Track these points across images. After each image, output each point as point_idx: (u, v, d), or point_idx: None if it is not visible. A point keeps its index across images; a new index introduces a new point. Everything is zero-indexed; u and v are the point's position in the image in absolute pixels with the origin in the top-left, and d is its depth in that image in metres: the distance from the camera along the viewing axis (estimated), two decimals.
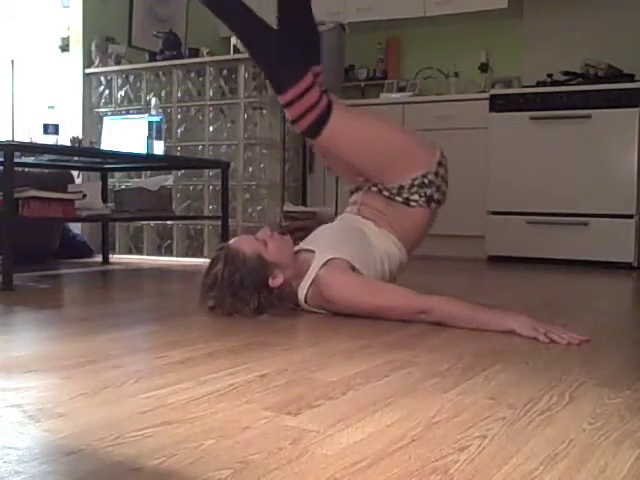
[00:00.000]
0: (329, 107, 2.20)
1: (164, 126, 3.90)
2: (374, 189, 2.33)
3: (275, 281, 2.05)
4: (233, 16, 2.27)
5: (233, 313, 2.04)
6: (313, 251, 2.13)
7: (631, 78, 4.04)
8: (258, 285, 2.04)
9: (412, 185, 2.25)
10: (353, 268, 2.11)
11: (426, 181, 2.26)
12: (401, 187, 2.26)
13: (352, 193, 2.47)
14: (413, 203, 2.27)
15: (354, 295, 2.03)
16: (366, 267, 2.16)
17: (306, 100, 2.17)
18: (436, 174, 2.28)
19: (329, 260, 2.08)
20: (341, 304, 2.05)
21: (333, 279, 2.05)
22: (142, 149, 3.66)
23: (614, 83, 3.96)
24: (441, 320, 1.93)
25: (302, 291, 2.10)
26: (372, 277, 2.19)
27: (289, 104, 2.19)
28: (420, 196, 2.26)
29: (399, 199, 2.28)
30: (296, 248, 2.21)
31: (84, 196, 3.18)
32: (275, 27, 2.28)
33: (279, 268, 2.07)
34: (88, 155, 3.54)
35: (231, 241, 2.17)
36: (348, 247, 2.16)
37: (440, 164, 2.30)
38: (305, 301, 2.12)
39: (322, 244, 2.17)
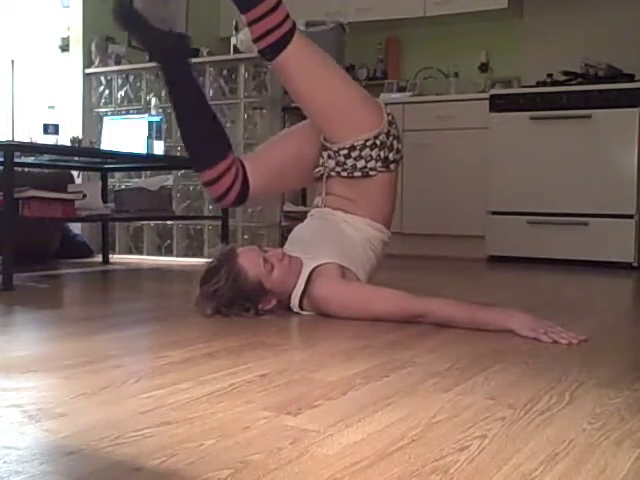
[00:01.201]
0: (292, 30, 2.16)
1: (164, 126, 3.90)
2: (332, 174, 2.31)
3: (266, 306, 2.08)
4: None
5: (230, 315, 2.06)
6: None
7: (631, 78, 4.04)
8: (249, 304, 2.06)
9: (364, 146, 2.22)
10: (342, 268, 2.11)
11: (378, 142, 2.23)
12: (352, 147, 2.22)
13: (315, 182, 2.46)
14: (372, 172, 2.25)
15: (348, 305, 2.02)
16: (353, 262, 2.16)
17: (271, 19, 2.13)
18: (387, 134, 2.26)
19: (316, 267, 2.08)
20: (336, 313, 2.05)
21: (325, 291, 2.05)
22: (142, 149, 3.66)
23: (614, 83, 3.96)
24: (438, 322, 1.93)
25: (295, 301, 2.11)
26: (360, 269, 2.19)
27: (255, 21, 2.14)
28: (376, 161, 2.24)
29: (358, 174, 2.26)
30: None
31: (84, 196, 3.18)
32: None
33: (275, 295, 2.08)
34: (88, 155, 3.54)
35: (239, 250, 2.10)
36: (332, 247, 2.16)
37: (390, 123, 2.28)
38: (300, 308, 2.12)
39: (304, 250, 2.16)
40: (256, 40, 2.18)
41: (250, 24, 2.16)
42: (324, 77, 2.25)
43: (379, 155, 2.24)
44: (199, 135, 2.29)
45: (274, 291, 2.07)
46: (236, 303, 2.04)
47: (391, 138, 2.28)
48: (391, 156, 2.27)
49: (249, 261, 2.04)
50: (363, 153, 2.23)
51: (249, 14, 2.14)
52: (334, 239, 2.21)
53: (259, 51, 2.21)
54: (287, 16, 2.16)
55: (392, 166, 2.29)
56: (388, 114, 2.30)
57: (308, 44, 2.23)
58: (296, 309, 2.12)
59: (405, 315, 1.97)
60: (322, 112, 2.26)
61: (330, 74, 2.27)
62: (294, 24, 2.18)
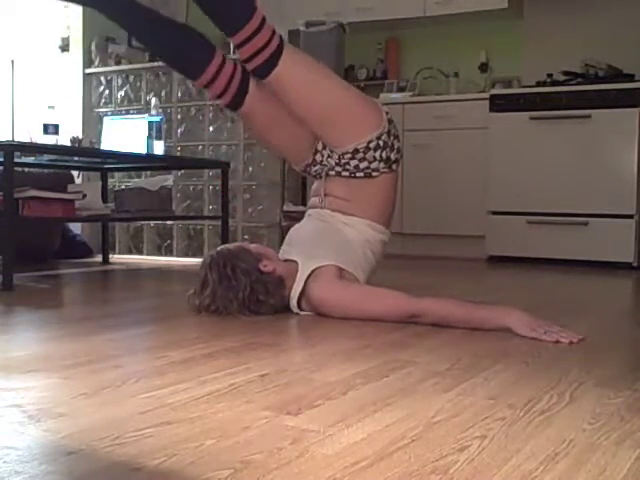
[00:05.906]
0: (281, 46, 2.13)
1: (164, 126, 3.91)
2: (332, 173, 2.31)
3: (266, 268, 2.06)
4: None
5: (223, 311, 2.04)
6: (295, 261, 2.14)
7: (631, 78, 4.04)
8: (249, 270, 2.05)
9: (367, 148, 2.21)
10: (340, 270, 2.11)
11: (381, 143, 2.23)
12: (356, 150, 2.22)
13: (305, 173, 2.44)
14: (375, 173, 2.25)
15: (345, 307, 2.03)
16: (351, 264, 2.16)
17: (258, 39, 2.09)
18: (388, 133, 2.25)
19: (314, 270, 2.08)
20: (334, 314, 2.05)
21: (322, 293, 2.05)
22: (142, 149, 3.66)
23: (614, 83, 3.96)
24: (435, 321, 1.93)
25: (293, 300, 2.11)
26: (359, 271, 2.19)
27: (243, 43, 2.10)
28: (379, 162, 2.24)
29: (360, 174, 2.26)
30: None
31: (84, 196, 3.18)
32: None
33: (267, 258, 2.09)
34: (88, 155, 3.54)
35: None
36: (330, 249, 2.15)
37: (390, 122, 2.28)
38: (299, 308, 2.12)
39: (301, 252, 2.16)
40: (246, 61, 2.15)
41: (238, 46, 2.13)
42: (319, 85, 2.22)
43: (382, 155, 2.24)
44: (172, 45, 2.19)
45: (262, 253, 2.10)
46: (234, 274, 2.03)
47: (392, 137, 2.27)
48: (392, 156, 2.27)
49: (226, 245, 2.22)
50: (367, 155, 2.23)
51: (236, 37, 2.11)
52: (333, 241, 2.21)
53: (251, 71, 2.17)
54: (274, 32, 2.12)
55: (394, 166, 2.30)
56: (387, 113, 2.30)
57: (299, 55, 2.21)
58: (295, 310, 2.12)
59: (402, 315, 1.96)
60: (322, 120, 2.23)
61: (325, 80, 2.24)
62: (281, 39, 2.14)
